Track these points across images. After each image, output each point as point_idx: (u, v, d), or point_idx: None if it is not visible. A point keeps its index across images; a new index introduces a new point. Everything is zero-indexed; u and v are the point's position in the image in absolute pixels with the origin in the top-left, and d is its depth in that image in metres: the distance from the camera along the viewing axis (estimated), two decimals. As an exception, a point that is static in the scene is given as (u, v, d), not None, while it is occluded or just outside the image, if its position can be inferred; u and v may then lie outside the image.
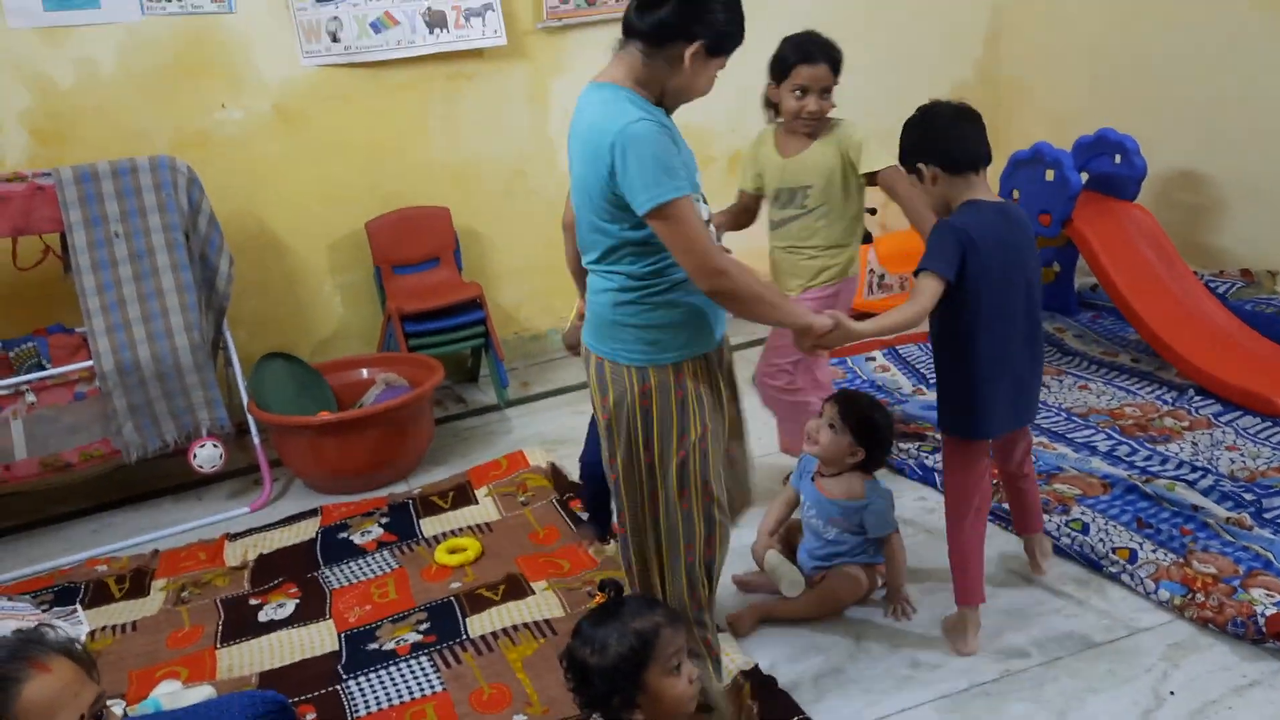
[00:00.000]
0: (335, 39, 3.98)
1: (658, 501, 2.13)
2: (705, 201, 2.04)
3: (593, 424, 2.78)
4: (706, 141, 4.47)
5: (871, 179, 2.85)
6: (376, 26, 4.03)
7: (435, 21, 4.09)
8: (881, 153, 2.81)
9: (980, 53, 5.13)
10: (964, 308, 2.21)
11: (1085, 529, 2.81)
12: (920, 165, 2.27)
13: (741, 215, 3.05)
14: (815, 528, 2.63)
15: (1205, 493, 2.96)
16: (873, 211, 3.06)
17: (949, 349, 2.31)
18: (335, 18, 3.97)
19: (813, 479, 2.65)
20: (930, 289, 2.17)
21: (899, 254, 4.68)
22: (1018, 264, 2.26)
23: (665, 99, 2.00)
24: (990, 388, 2.28)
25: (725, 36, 1.96)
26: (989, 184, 2.31)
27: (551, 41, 4.34)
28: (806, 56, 2.77)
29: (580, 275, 2.26)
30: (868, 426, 2.57)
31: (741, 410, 2.34)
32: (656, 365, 2.02)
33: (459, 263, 4.27)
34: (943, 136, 2.26)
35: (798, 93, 2.79)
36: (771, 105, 2.92)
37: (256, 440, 3.62)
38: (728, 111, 4.48)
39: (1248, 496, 2.91)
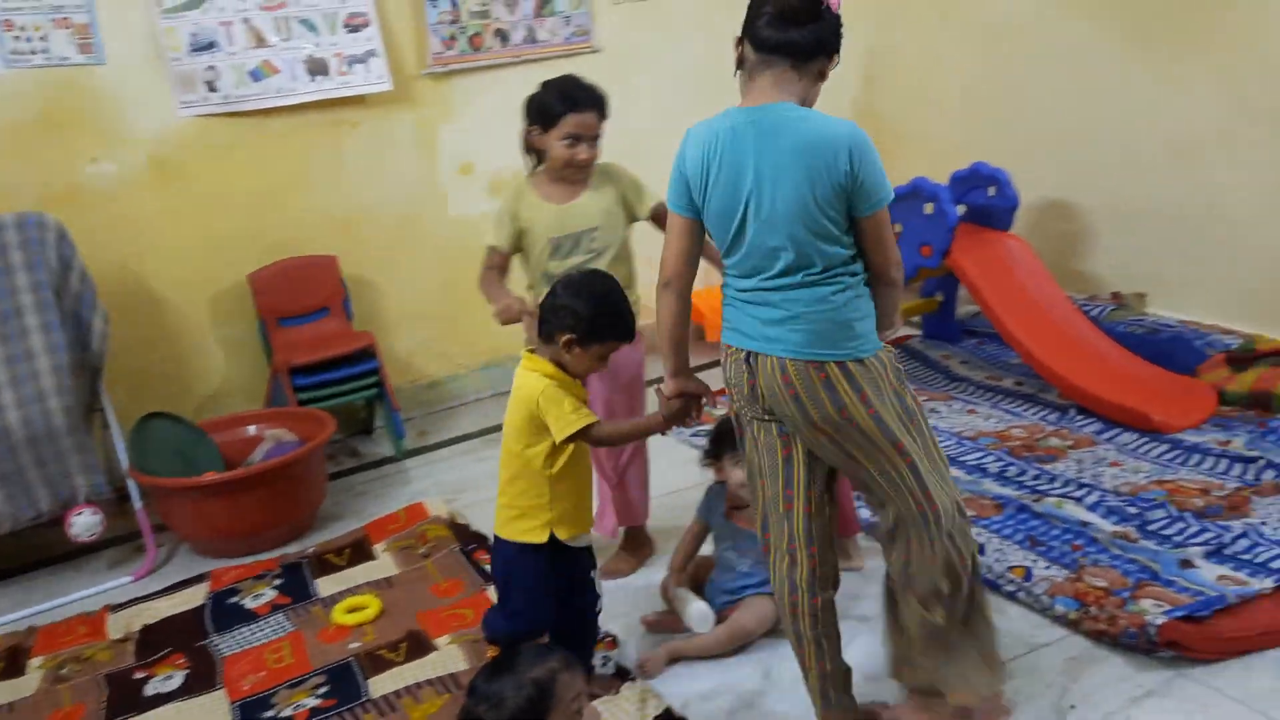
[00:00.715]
0: (213, 88, 3.89)
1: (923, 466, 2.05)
2: None
3: (517, 579, 2.29)
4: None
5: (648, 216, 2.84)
6: (256, 75, 3.94)
7: (317, 69, 4.03)
8: (652, 188, 2.81)
9: (857, 92, 5.29)
10: None
11: (981, 550, 2.87)
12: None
13: (496, 276, 2.80)
14: (729, 561, 2.63)
15: (1092, 508, 3.06)
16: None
17: None
18: (212, 67, 3.87)
19: (725, 514, 2.66)
20: None
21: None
22: None
23: None
24: None
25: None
26: None
27: (437, 88, 4.32)
28: (575, 104, 2.66)
29: (683, 342, 2.19)
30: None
31: None
32: (881, 347, 2.05)
33: (349, 312, 4.18)
34: None
35: (568, 141, 2.67)
36: (533, 151, 2.78)
37: (138, 505, 3.45)
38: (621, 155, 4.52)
39: (1131, 510, 3.02)
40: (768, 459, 2.14)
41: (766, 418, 2.12)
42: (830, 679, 2.19)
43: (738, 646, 2.58)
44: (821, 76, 2.01)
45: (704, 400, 2.27)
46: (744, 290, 2.05)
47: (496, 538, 2.28)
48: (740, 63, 2.04)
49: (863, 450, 2.03)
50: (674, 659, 2.57)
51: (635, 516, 3.03)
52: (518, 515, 2.23)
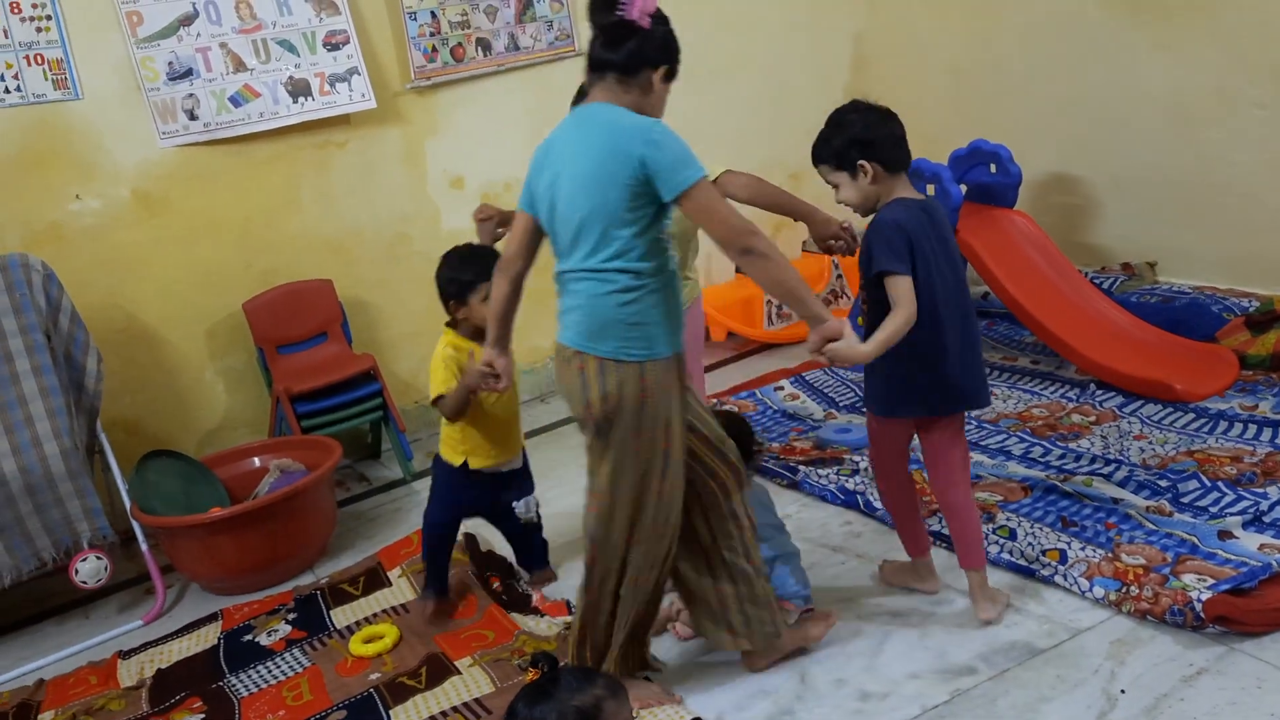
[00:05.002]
0: (193, 116, 3.81)
1: (643, 503, 2.19)
2: None
3: (438, 482, 2.91)
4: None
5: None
6: (236, 100, 3.87)
7: (299, 90, 3.95)
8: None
9: (848, 79, 5.22)
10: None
11: (1013, 535, 2.79)
12: (863, 162, 2.33)
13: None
14: None
15: (1121, 484, 2.98)
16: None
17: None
18: (191, 95, 3.80)
19: None
20: (908, 287, 2.26)
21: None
22: (946, 257, 2.36)
23: None
24: (925, 371, 2.37)
25: (678, 61, 2.21)
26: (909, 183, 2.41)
27: (422, 101, 4.25)
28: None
29: (506, 319, 2.39)
30: None
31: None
32: (653, 360, 2.13)
33: (348, 335, 4.10)
34: (885, 135, 2.35)
35: None
36: None
37: (144, 547, 3.36)
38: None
39: (1162, 484, 2.94)
40: None
41: None
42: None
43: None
44: (651, 87, 2.16)
45: (500, 380, 2.46)
46: (555, 277, 2.22)
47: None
48: (581, 91, 2.32)
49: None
50: (666, 621, 2.63)
51: None
52: (446, 441, 2.84)
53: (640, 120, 2.09)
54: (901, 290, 2.25)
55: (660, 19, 2.15)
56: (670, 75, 2.19)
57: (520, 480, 2.96)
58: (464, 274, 2.70)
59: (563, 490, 3.18)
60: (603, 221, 2.07)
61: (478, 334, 2.66)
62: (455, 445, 2.82)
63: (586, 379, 2.13)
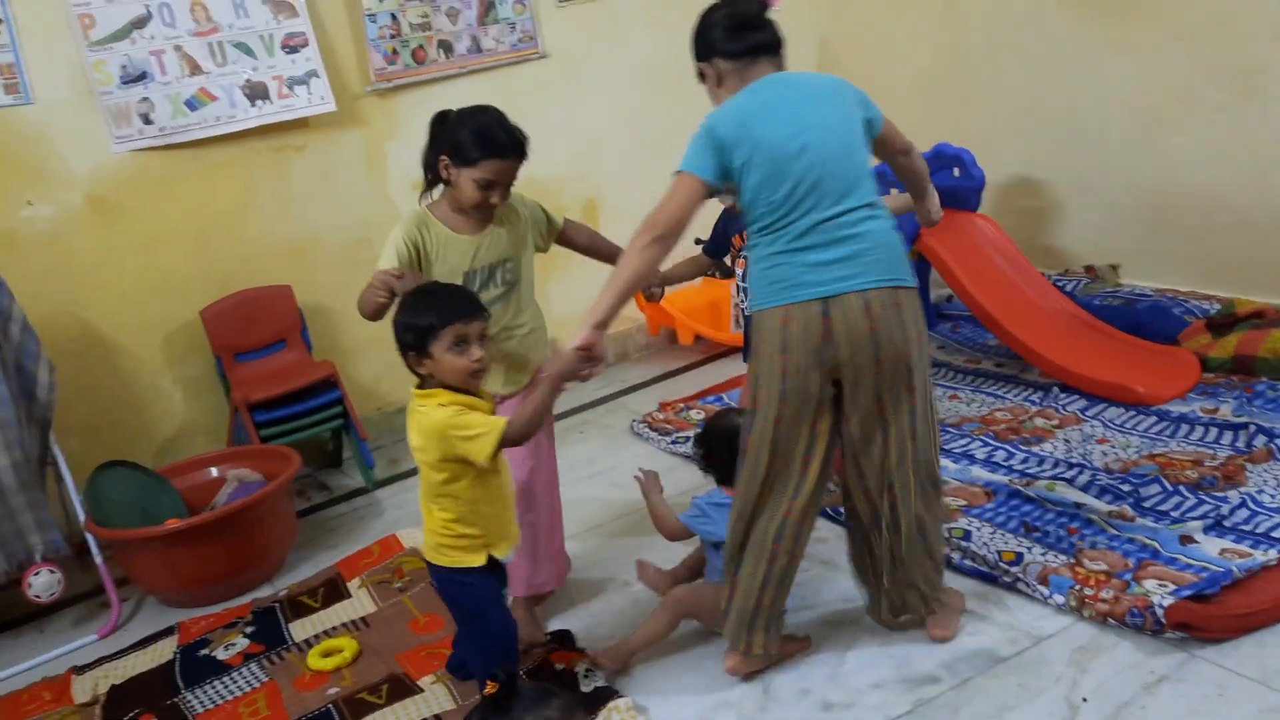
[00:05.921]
0: (148, 121, 3.74)
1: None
2: None
3: (476, 596, 2.26)
4: (556, 190, 4.37)
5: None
6: (192, 104, 3.80)
7: (256, 93, 3.89)
8: (551, 210, 2.73)
9: (814, 81, 5.21)
10: None
11: (968, 536, 2.78)
12: None
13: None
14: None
15: (1084, 488, 2.98)
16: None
17: None
18: (145, 99, 3.73)
19: None
20: None
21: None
22: None
23: None
24: None
25: None
26: None
27: (383, 104, 4.20)
28: (498, 151, 2.41)
29: (627, 296, 2.18)
30: (702, 450, 2.68)
31: None
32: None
33: (307, 342, 4.05)
34: None
35: (483, 184, 2.44)
36: (434, 175, 2.53)
37: (99, 559, 3.29)
38: (576, 158, 4.43)
39: (1125, 488, 2.94)
40: (788, 429, 2.24)
41: (813, 388, 2.20)
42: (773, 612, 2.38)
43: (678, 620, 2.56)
44: (782, 69, 2.32)
45: (598, 366, 2.17)
46: (803, 237, 2.15)
47: (433, 565, 2.29)
48: (719, 80, 2.33)
49: (892, 389, 2.21)
50: (628, 655, 2.49)
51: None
52: (448, 543, 2.23)
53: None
54: None
55: None
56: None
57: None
58: (421, 319, 2.12)
59: (568, 492, 3.06)
60: (866, 157, 2.24)
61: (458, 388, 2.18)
62: (471, 540, 2.21)
63: (904, 315, 2.18)
